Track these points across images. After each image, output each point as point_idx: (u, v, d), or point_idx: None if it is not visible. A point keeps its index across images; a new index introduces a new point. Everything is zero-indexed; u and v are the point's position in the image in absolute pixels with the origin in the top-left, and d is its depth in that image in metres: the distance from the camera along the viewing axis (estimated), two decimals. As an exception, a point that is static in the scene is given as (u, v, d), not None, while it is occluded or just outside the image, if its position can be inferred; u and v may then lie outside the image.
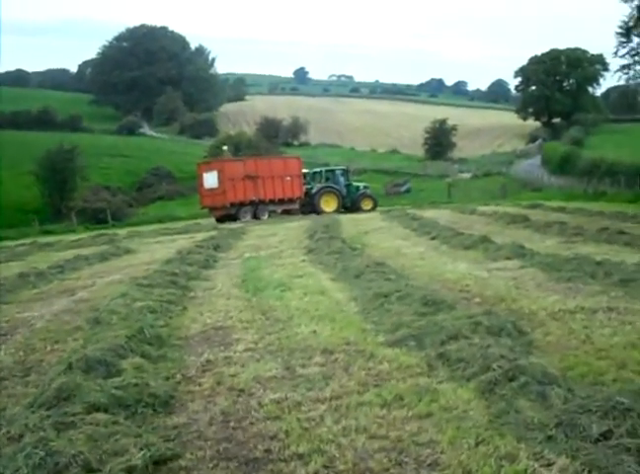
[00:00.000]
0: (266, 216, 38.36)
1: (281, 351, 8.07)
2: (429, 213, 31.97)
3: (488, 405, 5.79)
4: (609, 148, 57.90)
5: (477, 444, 5.04)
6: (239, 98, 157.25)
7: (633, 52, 33.00)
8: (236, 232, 27.77)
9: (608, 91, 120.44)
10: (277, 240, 23.08)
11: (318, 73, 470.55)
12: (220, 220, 37.61)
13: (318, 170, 44.44)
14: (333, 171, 43.77)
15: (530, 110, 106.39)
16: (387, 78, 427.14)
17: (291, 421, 5.77)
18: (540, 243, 17.66)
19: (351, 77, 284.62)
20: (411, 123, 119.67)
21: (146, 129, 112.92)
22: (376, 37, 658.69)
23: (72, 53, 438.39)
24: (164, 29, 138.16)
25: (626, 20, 32.09)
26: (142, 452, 5.02)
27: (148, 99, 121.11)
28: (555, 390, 5.70)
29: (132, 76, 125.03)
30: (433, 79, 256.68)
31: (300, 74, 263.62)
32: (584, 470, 4.48)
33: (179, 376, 7.33)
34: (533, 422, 5.28)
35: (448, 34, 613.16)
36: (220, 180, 37.66)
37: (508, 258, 14.79)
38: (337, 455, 5.04)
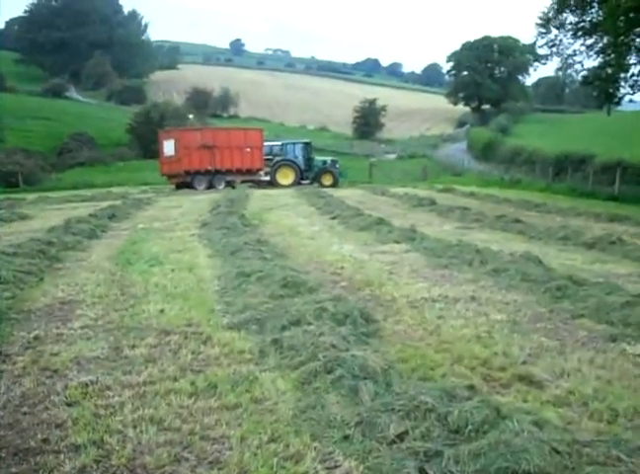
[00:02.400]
0: (222, 186, 38.84)
1: (119, 330, 7.62)
2: (341, 192, 31.79)
3: (300, 398, 5.47)
4: (533, 137, 58.57)
5: (269, 442, 4.72)
6: (172, 66, 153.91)
7: (551, 44, 33.18)
8: (142, 202, 27.05)
9: (539, 81, 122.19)
10: (178, 212, 22.49)
11: (255, 46, 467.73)
12: (179, 187, 38.53)
13: (280, 143, 44.45)
14: (294, 144, 43.67)
15: (461, 95, 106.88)
16: (324, 55, 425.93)
17: (88, 407, 5.36)
18: (437, 227, 17.59)
19: (287, 52, 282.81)
20: (343, 102, 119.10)
21: (73, 93, 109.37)
22: (315, 13, 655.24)
23: None
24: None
25: (546, 11, 32.25)
26: None
27: (77, 61, 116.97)
28: (368, 386, 5.40)
29: (61, 37, 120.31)
30: (369, 59, 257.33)
31: (236, 46, 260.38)
32: (365, 475, 4.20)
33: (-5, 354, 6.83)
34: (336, 419, 4.97)
35: (387, 14, 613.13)
36: (177, 148, 38.50)
37: (396, 241, 14.60)
38: (116, 448, 4.65)
